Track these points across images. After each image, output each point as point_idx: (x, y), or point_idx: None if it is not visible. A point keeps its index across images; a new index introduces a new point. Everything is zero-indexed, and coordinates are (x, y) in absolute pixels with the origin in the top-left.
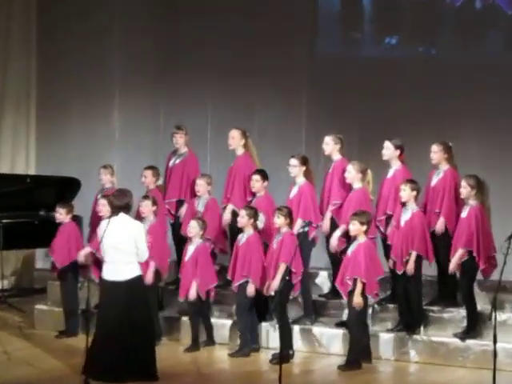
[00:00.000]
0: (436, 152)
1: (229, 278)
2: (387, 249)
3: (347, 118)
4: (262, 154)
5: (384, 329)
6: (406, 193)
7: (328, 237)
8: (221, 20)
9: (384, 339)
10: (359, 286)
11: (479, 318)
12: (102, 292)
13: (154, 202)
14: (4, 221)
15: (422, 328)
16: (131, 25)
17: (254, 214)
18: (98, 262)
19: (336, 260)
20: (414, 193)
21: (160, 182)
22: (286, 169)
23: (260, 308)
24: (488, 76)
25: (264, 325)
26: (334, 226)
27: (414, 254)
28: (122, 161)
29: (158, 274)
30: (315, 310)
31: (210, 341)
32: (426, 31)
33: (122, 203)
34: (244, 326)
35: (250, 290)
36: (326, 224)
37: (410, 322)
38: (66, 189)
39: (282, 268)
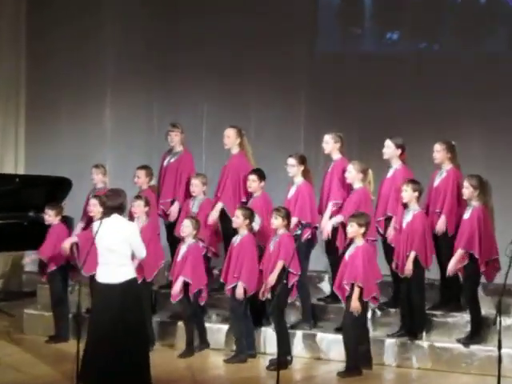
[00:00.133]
0: (439, 151)
1: (222, 280)
2: (387, 251)
3: (347, 118)
4: (261, 153)
5: (385, 334)
6: (408, 193)
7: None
8: (220, 19)
9: (385, 344)
10: (356, 291)
11: (483, 323)
12: (96, 295)
13: (147, 203)
14: None
15: (424, 333)
16: (123, 23)
17: (249, 215)
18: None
19: (336, 262)
20: (416, 193)
21: (153, 182)
22: (285, 169)
23: (256, 312)
24: (490, 74)
25: (261, 330)
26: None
27: (412, 254)
28: (115, 161)
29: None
30: (314, 315)
31: (204, 343)
32: (427, 27)
33: (115, 204)
34: (239, 331)
35: (239, 291)
36: (324, 223)
37: (413, 326)
38: (56, 189)
39: (280, 265)
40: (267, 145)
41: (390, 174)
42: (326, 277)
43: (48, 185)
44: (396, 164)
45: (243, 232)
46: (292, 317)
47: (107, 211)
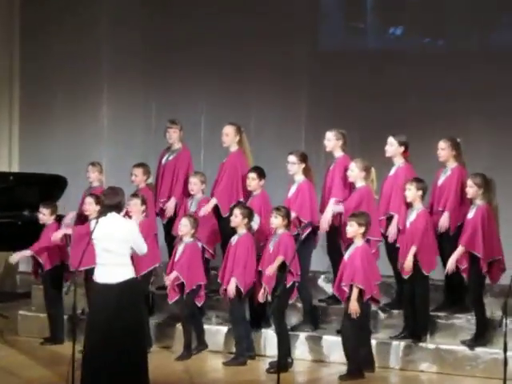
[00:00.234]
0: (443, 149)
1: (219, 280)
2: (389, 251)
3: (347, 117)
4: (261, 153)
5: (388, 336)
6: (412, 192)
7: (328, 237)
8: (220, 19)
9: (388, 347)
10: (355, 292)
11: (489, 325)
12: (94, 295)
13: (144, 201)
14: None
15: (428, 335)
16: (120, 18)
17: (248, 214)
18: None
19: (337, 263)
20: (420, 192)
21: (150, 180)
22: (286, 169)
23: (256, 314)
24: (497, 71)
25: (261, 332)
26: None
27: (413, 249)
28: (111, 159)
29: (147, 277)
30: (316, 316)
31: (202, 344)
32: (431, 22)
33: (113, 202)
34: (239, 333)
35: (230, 287)
36: (324, 220)
37: (416, 328)
38: (51, 187)
39: (279, 260)
40: (267, 144)
41: (392, 171)
42: (328, 277)
43: (43, 183)
44: (399, 162)
45: (241, 231)
46: (293, 318)
47: (104, 210)
